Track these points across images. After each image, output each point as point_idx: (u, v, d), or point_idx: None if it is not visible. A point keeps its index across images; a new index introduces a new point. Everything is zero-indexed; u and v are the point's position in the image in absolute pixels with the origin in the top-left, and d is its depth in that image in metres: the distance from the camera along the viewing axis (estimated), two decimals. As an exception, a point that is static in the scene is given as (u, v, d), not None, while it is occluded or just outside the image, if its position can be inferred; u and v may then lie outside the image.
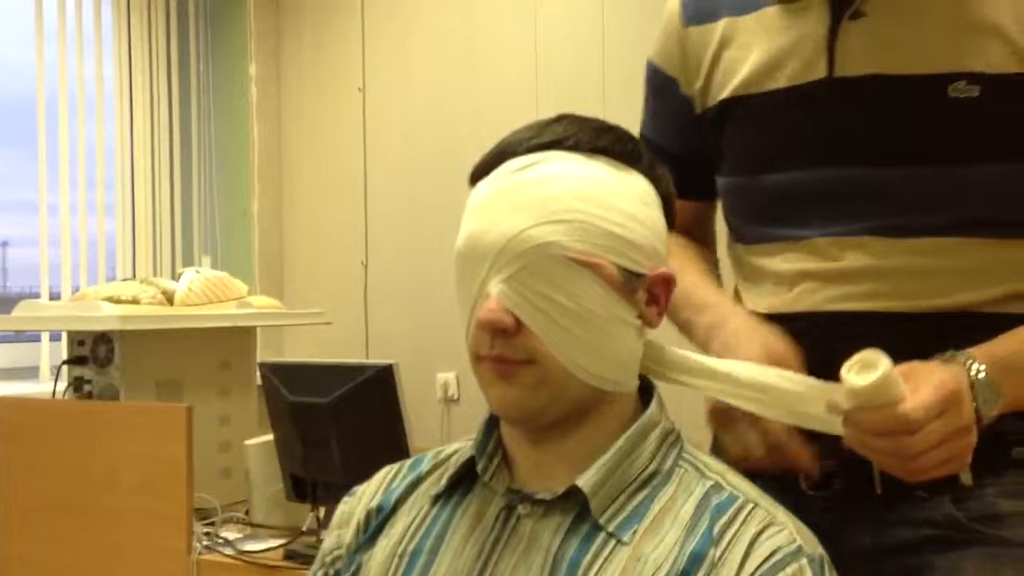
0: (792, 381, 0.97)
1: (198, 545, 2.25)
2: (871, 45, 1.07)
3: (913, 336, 1.04)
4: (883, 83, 1.08)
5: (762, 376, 0.98)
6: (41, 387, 3.19)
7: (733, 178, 1.23)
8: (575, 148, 0.94)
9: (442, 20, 3.60)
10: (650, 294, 0.96)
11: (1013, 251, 1.10)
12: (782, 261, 1.17)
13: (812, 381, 0.97)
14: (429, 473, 1.05)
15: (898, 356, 0.92)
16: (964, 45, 1.05)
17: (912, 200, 1.08)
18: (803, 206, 1.14)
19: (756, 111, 1.17)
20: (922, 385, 0.93)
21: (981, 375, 0.98)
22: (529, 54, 3.41)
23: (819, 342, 1.09)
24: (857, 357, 0.91)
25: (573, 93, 3.25)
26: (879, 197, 1.10)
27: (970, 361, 0.99)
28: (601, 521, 0.91)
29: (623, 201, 0.93)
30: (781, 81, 1.14)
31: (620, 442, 0.94)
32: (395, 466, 1.09)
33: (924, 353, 1.00)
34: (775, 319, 1.13)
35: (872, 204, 1.10)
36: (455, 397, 3.50)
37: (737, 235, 1.25)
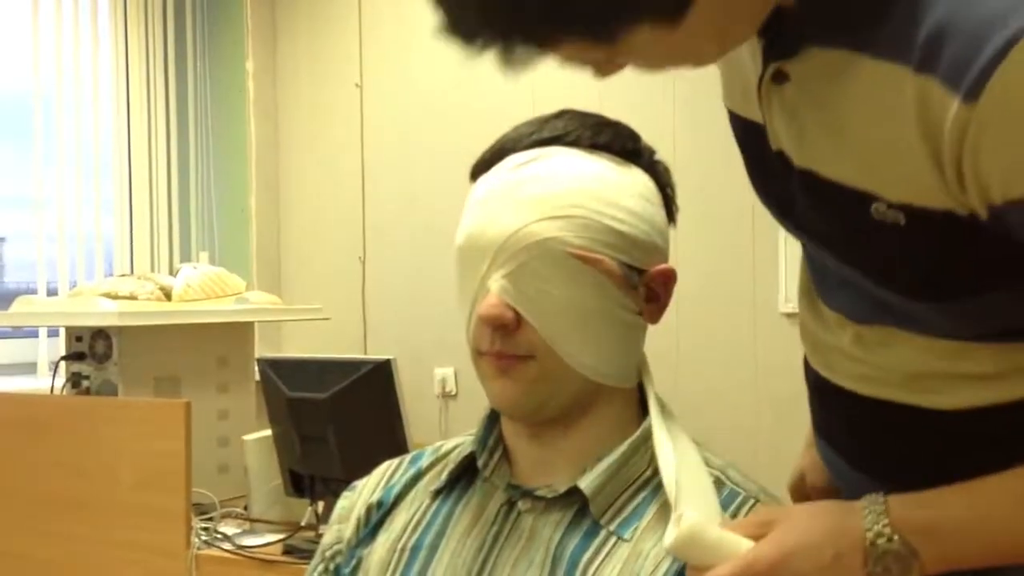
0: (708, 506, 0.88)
1: (197, 540, 2.25)
2: (795, 133, 0.85)
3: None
4: (816, 182, 0.84)
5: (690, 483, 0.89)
6: (39, 383, 3.19)
7: None
8: (576, 144, 0.94)
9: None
10: (650, 290, 0.96)
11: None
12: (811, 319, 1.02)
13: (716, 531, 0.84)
14: (429, 468, 1.05)
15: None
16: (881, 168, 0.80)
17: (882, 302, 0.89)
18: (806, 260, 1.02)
19: (734, 125, 1.00)
20: (765, 541, 0.81)
21: (881, 540, 0.80)
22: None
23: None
24: (677, 514, 0.83)
25: (571, 90, 3.25)
26: (849, 286, 0.91)
27: (875, 520, 0.81)
28: (602, 522, 0.92)
29: (624, 197, 0.93)
30: (737, 104, 0.96)
31: (624, 446, 0.94)
32: (395, 461, 1.09)
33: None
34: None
35: (846, 290, 0.92)
36: (453, 392, 3.50)
37: None
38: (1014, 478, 0.81)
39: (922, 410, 0.89)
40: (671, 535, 0.82)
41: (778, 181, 0.89)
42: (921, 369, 0.88)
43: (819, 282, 0.97)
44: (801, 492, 1.12)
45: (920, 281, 0.82)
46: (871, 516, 0.81)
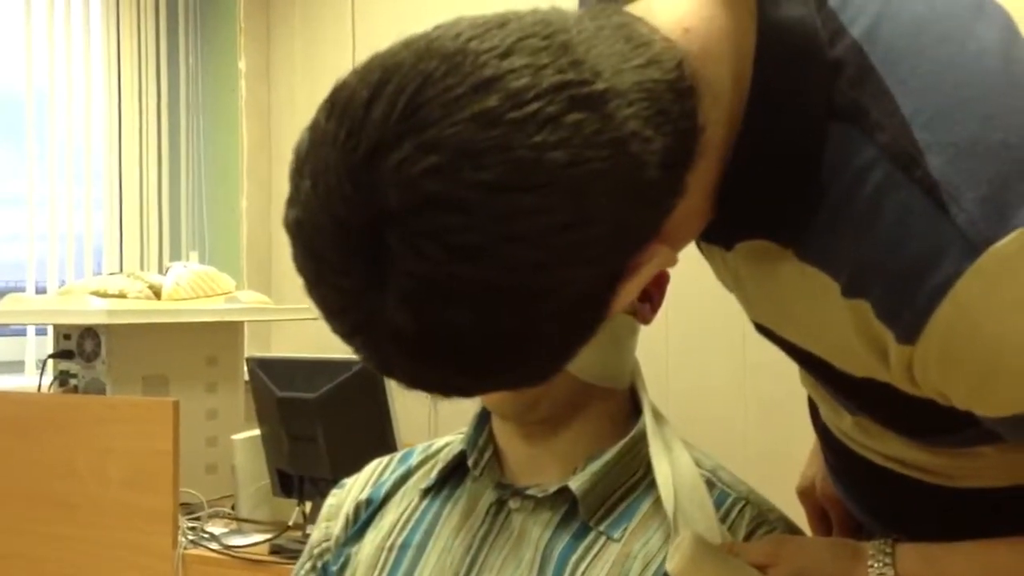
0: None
1: (184, 540, 2.25)
2: (741, 294, 0.84)
3: None
4: (773, 336, 0.83)
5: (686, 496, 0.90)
6: (26, 381, 3.18)
7: None
8: None
9: (433, 16, 3.59)
10: (643, 290, 0.95)
11: None
12: None
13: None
14: (419, 466, 1.05)
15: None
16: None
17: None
18: None
19: None
20: (783, 566, 0.82)
21: None
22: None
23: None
24: (680, 538, 0.83)
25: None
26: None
27: (882, 566, 0.82)
28: (591, 523, 0.92)
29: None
30: None
31: (616, 449, 0.94)
32: (385, 459, 1.09)
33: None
34: None
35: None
36: (442, 394, 3.49)
37: None
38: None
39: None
40: (674, 560, 0.81)
41: None
42: (918, 459, 0.86)
43: None
44: (812, 499, 1.09)
45: (891, 421, 0.80)
46: (878, 565, 0.82)
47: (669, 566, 0.82)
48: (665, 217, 0.63)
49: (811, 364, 0.79)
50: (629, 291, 0.63)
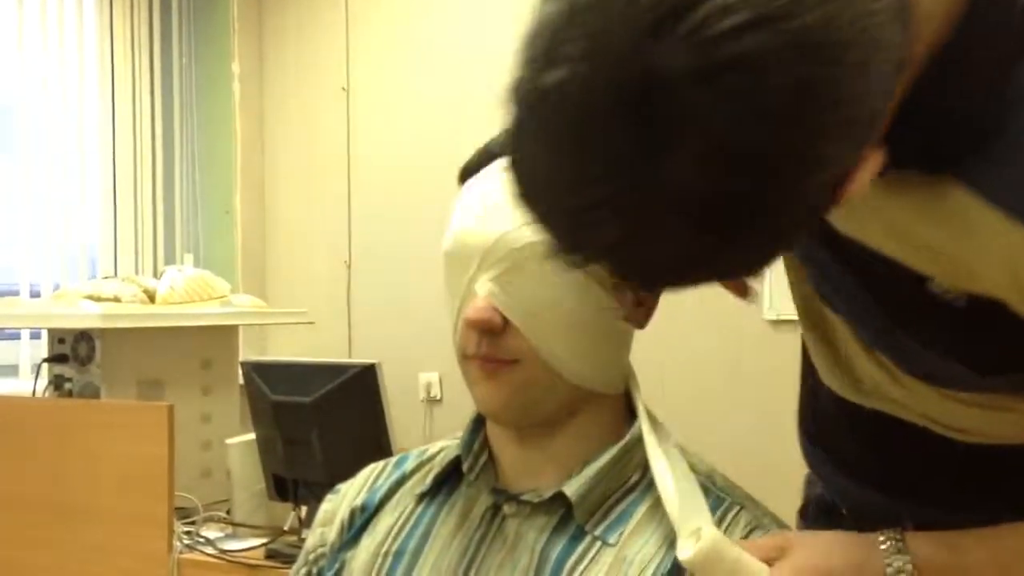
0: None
1: (179, 544, 2.24)
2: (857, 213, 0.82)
3: None
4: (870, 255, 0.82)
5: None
6: (21, 385, 3.17)
7: None
8: None
9: (427, 19, 3.59)
10: (638, 295, 0.95)
11: None
12: None
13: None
14: (414, 472, 1.05)
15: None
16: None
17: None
18: None
19: None
20: (787, 565, 0.81)
21: None
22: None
23: None
24: (694, 527, 0.83)
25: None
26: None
27: (897, 555, 0.82)
28: (586, 527, 0.92)
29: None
30: None
31: (611, 453, 0.94)
32: (379, 464, 1.08)
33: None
34: None
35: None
36: (438, 397, 3.49)
37: None
38: None
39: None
40: (689, 549, 0.81)
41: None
42: (946, 412, 0.87)
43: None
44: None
45: (963, 353, 0.80)
46: (892, 552, 0.81)
47: (683, 555, 0.81)
48: (885, 118, 0.63)
49: (898, 296, 0.80)
50: (848, 191, 0.63)
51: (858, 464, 1.00)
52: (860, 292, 0.85)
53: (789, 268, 1.00)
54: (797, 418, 1.12)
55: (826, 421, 1.04)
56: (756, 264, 0.65)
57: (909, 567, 0.81)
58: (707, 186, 0.57)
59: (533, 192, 0.63)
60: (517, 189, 0.64)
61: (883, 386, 0.90)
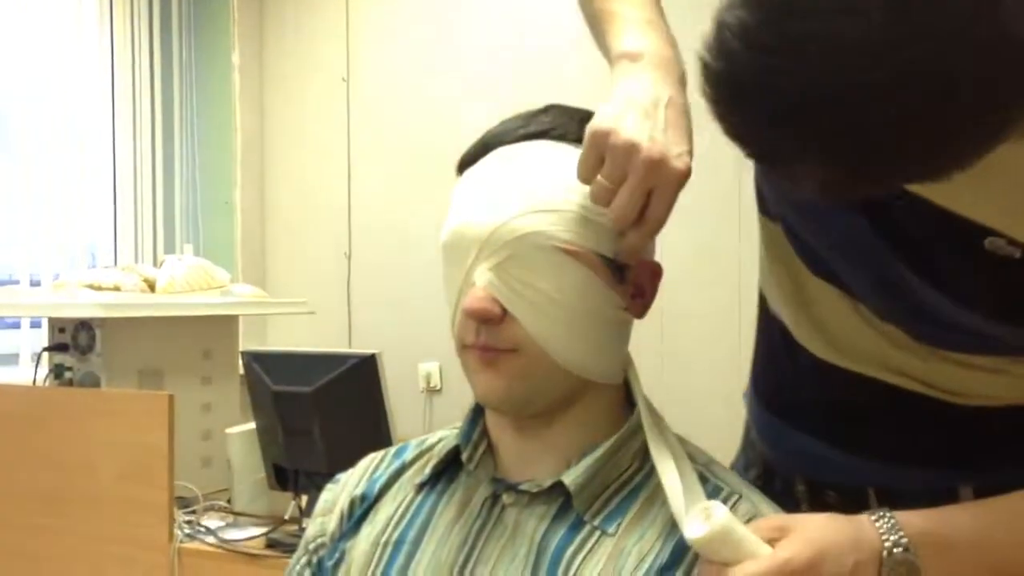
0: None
1: (179, 533, 2.25)
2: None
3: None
4: (926, 208, 0.86)
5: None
6: (21, 374, 3.18)
7: None
8: (562, 138, 0.94)
9: (427, 9, 3.59)
10: (636, 285, 0.95)
11: None
12: None
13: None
14: (413, 461, 1.05)
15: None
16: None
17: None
18: None
19: None
20: (792, 542, 0.82)
21: (898, 551, 0.83)
22: (515, 44, 3.41)
23: None
24: (703, 505, 0.83)
25: (559, 82, 3.25)
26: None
27: (891, 531, 0.85)
28: (585, 517, 0.92)
29: (609, 191, 0.93)
30: None
31: (609, 443, 0.94)
32: (379, 454, 1.09)
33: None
34: None
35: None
36: (437, 387, 3.50)
37: None
38: (1022, 498, 0.86)
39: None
40: (701, 528, 0.82)
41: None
42: (941, 375, 0.93)
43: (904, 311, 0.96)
44: None
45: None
46: (886, 528, 0.85)
47: (694, 534, 0.82)
48: None
49: (939, 260, 0.86)
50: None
51: (825, 426, 1.04)
52: (885, 255, 0.89)
53: (772, 242, 1.05)
54: (751, 390, 1.17)
55: (794, 386, 1.08)
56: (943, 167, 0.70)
57: (905, 540, 0.84)
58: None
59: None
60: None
61: (882, 352, 0.94)
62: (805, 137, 0.68)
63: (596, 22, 0.99)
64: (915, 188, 0.84)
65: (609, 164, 0.86)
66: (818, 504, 1.06)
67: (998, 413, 0.96)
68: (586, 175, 0.88)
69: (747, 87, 0.68)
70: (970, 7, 0.63)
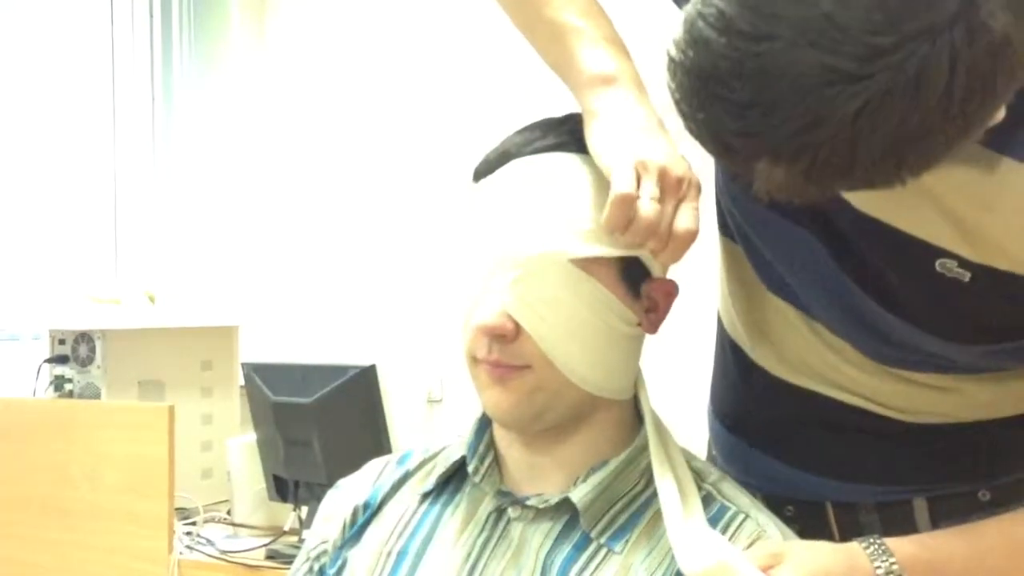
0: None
1: (179, 545, 2.24)
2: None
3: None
4: (882, 230, 0.89)
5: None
6: (21, 386, 3.16)
7: None
8: (581, 151, 0.91)
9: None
10: (650, 300, 0.94)
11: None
12: None
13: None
14: (417, 469, 1.04)
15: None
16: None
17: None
18: None
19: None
20: (787, 569, 0.84)
21: None
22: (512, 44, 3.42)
23: None
24: (702, 537, 0.85)
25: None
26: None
27: (881, 556, 0.87)
28: (592, 535, 0.91)
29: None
30: None
31: (618, 460, 0.93)
32: (382, 460, 1.08)
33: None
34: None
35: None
36: (439, 398, 3.49)
37: None
38: (1011, 523, 0.90)
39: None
40: (697, 563, 0.82)
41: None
42: (897, 395, 0.97)
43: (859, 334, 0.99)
44: None
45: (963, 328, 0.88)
46: (877, 554, 0.87)
47: (694, 569, 0.83)
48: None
49: (888, 279, 0.88)
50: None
51: (778, 445, 1.07)
52: (839, 275, 0.92)
53: (731, 262, 1.07)
54: (711, 410, 1.19)
55: (749, 406, 1.10)
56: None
57: (896, 567, 0.86)
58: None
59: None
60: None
61: (834, 369, 0.98)
62: (770, 127, 0.68)
63: (545, 32, 0.97)
64: (870, 209, 0.86)
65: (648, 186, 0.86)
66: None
67: (944, 430, 0.99)
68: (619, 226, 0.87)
69: (720, 73, 0.68)
70: (954, 4, 0.64)
